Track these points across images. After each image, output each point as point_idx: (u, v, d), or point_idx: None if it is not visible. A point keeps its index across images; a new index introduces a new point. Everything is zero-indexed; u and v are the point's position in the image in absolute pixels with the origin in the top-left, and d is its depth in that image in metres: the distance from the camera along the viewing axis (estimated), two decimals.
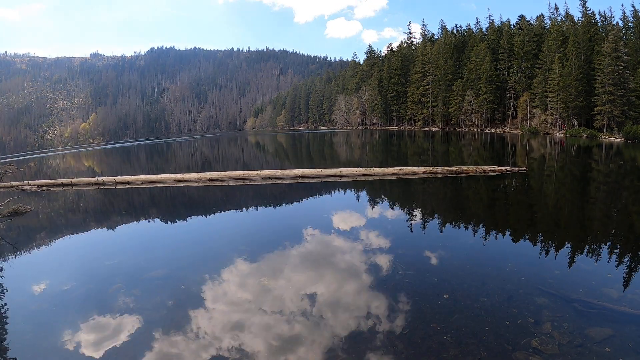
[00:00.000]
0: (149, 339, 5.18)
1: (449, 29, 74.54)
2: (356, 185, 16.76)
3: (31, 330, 5.55)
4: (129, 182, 19.42)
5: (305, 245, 8.86)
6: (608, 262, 7.08)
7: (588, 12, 50.47)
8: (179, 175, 19.58)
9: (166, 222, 12.47)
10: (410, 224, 10.45)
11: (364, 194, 15.26)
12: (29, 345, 5.21)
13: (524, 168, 17.81)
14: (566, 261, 7.16)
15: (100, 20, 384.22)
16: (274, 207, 14.04)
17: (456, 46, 68.21)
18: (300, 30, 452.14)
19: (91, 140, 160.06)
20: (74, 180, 20.17)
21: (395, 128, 78.40)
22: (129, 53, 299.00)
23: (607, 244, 8.26)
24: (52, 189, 19.21)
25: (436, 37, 76.83)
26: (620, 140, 35.99)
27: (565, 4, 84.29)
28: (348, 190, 16.08)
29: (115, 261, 8.42)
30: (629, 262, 7.06)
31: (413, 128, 73.69)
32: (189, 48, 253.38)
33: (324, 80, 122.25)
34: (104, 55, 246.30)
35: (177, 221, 12.65)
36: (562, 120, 46.18)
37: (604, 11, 59.61)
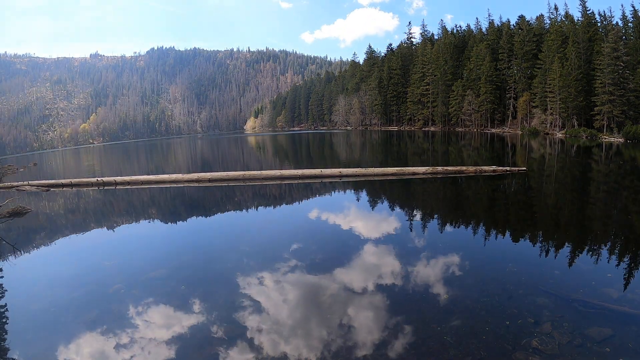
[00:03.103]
0: (148, 339, 5.18)
1: (449, 29, 74.70)
2: (356, 185, 16.76)
3: (31, 331, 5.55)
4: (129, 183, 19.42)
5: (306, 245, 8.86)
6: (608, 262, 7.07)
7: (588, 12, 50.54)
8: (179, 176, 19.58)
9: (166, 223, 12.47)
10: (410, 224, 10.45)
11: (364, 195, 15.26)
12: (29, 345, 5.20)
13: (524, 168, 17.81)
14: (566, 261, 7.16)
15: (100, 20, 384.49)
16: (274, 207, 14.04)
17: (456, 46, 68.28)
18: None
19: (91, 141, 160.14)
20: (74, 180, 20.17)
21: (395, 128, 78.43)
22: (128, 53, 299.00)
23: (607, 244, 8.26)
24: (52, 189, 19.22)
25: (436, 37, 76.98)
26: (620, 140, 35.99)
27: (565, 4, 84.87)
28: (348, 191, 16.08)
29: (115, 262, 8.42)
30: (629, 262, 7.05)
31: (413, 128, 73.71)
32: (189, 49, 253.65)
33: (324, 81, 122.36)
34: (103, 55, 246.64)
35: (177, 222, 12.65)
36: (561, 121, 46.18)
37: (604, 11, 59.74)
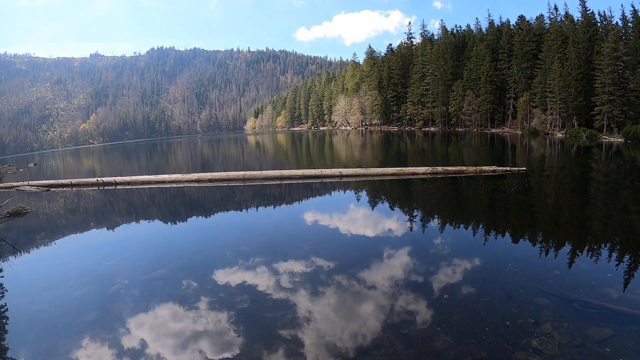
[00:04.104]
0: (148, 340, 5.18)
1: (449, 29, 74.69)
2: (356, 185, 16.76)
3: (31, 331, 5.55)
4: (129, 183, 19.42)
5: (306, 246, 8.85)
6: (608, 262, 7.07)
7: (588, 12, 50.54)
8: (179, 176, 19.58)
9: (166, 223, 12.47)
10: (410, 224, 10.45)
11: (364, 195, 15.26)
12: (28, 345, 5.20)
13: (524, 168, 17.80)
14: (566, 261, 7.16)
15: (100, 20, 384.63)
16: (274, 207, 14.04)
17: (456, 46, 68.26)
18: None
19: (91, 141, 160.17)
20: (73, 180, 20.17)
21: (395, 128, 78.41)
22: (128, 53, 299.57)
23: (607, 244, 8.25)
24: (52, 189, 19.22)
25: (436, 37, 76.96)
26: (620, 140, 35.99)
27: (565, 4, 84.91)
28: (348, 191, 16.08)
29: (115, 262, 8.42)
30: (629, 262, 7.05)
31: (413, 128, 73.68)
32: (189, 49, 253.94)
33: (324, 81, 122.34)
34: (103, 55, 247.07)
35: (177, 222, 12.65)
36: (561, 121, 46.17)
37: (604, 11, 59.72)
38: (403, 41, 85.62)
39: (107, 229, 11.76)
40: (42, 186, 19.44)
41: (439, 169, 17.90)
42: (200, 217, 13.25)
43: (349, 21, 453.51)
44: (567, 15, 53.96)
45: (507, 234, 9.21)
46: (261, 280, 6.88)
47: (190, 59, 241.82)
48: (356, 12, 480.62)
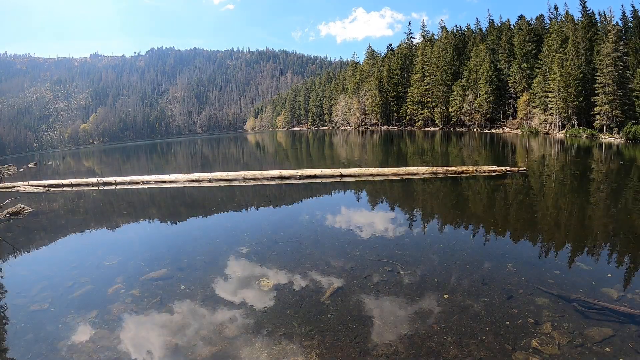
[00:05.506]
0: (148, 340, 5.18)
1: (449, 29, 74.72)
2: (356, 185, 16.76)
3: (31, 331, 5.55)
4: (129, 183, 19.42)
5: (305, 246, 8.85)
6: (608, 262, 7.07)
7: (588, 12, 50.55)
8: (179, 176, 19.58)
9: (166, 223, 12.47)
10: (410, 224, 10.45)
11: (364, 194, 15.26)
12: (28, 345, 5.20)
13: (524, 168, 17.80)
14: (566, 261, 7.16)
15: (100, 20, 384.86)
16: (274, 207, 14.03)
17: (456, 46, 68.31)
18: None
19: (91, 141, 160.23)
20: (74, 180, 20.17)
21: (395, 128, 78.42)
22: (128, 53, 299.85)
23: (607, 244, 8.25)
24: (52, 189, 19.21)
25: (436, 37, 76.96)
26: (620, 140, 35.97)
27: (565, 4, 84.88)
28: (348, 191, 16.08)
29: (115, 261, 8.41)
30: (629, 262, 7.05)
31: (413, 128, 73.69)
32: (189, 49, 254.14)
33: (324, 81, 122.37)
34: (103, 55, 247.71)
35: (177, 221, 12.65)
36: (561, 121, 46.15)
37: (604, 11, 59.52)
38: (403, 41, 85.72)
39: (107, 229, 11.75)
40: (42, 186, 19.44)
41: (439, 169, 17.90)
42: (200, 217, 13.25)
43: (367, 18, 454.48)
44: (567, 15, 53.89)
45: (507, 234, 9.20)
46: (261, 280, 6.88)
47: (190, 59, 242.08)
48: (374, 11, 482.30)
